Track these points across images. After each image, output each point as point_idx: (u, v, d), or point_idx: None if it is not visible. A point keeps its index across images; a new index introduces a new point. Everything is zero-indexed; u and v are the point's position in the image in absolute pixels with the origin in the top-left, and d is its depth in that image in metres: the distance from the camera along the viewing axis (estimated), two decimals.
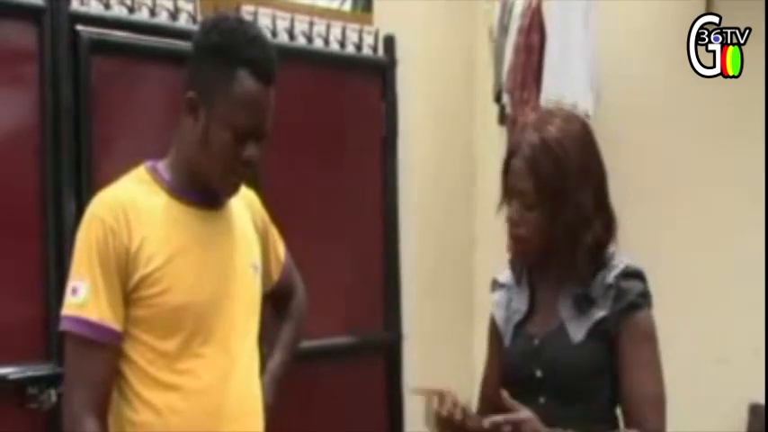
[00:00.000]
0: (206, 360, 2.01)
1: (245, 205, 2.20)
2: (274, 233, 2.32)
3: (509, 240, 2.02)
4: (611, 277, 1.94)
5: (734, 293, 3.40)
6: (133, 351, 1.99)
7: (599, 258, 1.96)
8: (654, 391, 1.93)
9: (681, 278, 3.48)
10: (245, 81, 1.98)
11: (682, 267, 3.50)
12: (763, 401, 3.26)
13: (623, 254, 1.99)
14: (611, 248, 1.98)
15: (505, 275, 2.14)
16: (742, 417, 3.32)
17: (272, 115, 2.04)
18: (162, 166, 2.07)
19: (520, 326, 2.06)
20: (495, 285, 2.18)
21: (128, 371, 2.00)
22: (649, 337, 1.95)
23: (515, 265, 2.11)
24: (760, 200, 3.31)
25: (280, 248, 2.34)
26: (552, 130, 1.94)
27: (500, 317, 2.12)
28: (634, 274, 1.96)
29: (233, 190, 2.07)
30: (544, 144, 1.92)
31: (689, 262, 3.50)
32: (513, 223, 1.98)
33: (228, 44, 2.00)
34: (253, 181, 2.32)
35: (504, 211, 2.02)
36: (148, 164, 2.09)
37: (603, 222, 1.95)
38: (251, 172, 2.04)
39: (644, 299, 1.95)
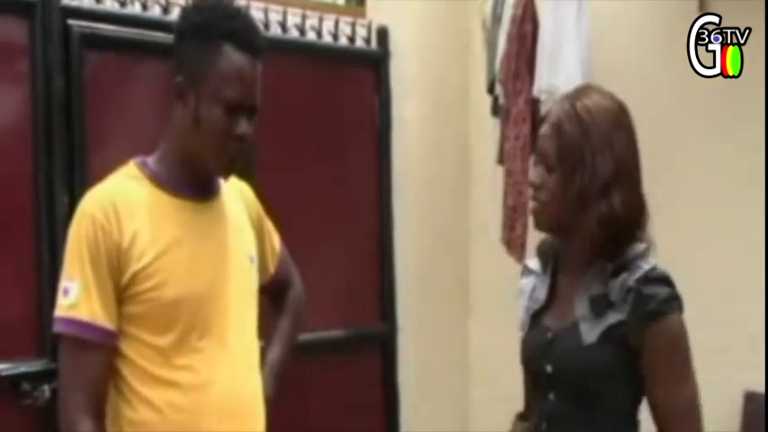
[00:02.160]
0: (204, 354, 1.99)
1: (239, 197, 2.18)
2: (269, 225, 2.31)
3: (531, 204, 2.00)
4: (631, 280, 1.88)
5: (731, 283, 3.39)
6: (129, 349, 1.97)
7: (613, 240, 1.90)
8: (685, 402, 1.89)
9: (677, 269, 3.47)
10: (231, 54, 1.96)
11: (677, 258, 3.48)
12: (757, 389, 3.26)
13: (652, 258, 1.94)
14: (641, 246, 1.93)
15: (535, 262, 2.10)
16: (737, 405, 3.32)
17: (261, 89, 2.02)
18: (152, 160, 2.06)
19: (537, 315, 2.03)
20: (525, 271, 2.13)
21: (125, 369, 1.98)
22: (677, 344, 1.89)
23: (542, 250, 2.08)
24: (760, 195, 3.30)
25: (275, 240, 2.33)
26: (586, 101, 1.94)
27: (522, 306, 2.09)
28: (658, 279, 1.89)
29: (228, 169, 2.04)
30: (573, 110, 1.92)
31: (684, 253, 3.49)
32: (534, 187, 1.97)
33: (210, 21, 1.99)
34: (248, 173, 2.31)
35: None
36: (138, 159, 2.07)
37: (624, 200, 1.89)
38: (244, 150, 2.02)
39: (668, 305, 1.88)
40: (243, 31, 2.00)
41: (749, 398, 3.30)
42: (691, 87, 3.39)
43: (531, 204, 2.00)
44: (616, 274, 1.90)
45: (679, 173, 3.54)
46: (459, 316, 4.16)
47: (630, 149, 1.95)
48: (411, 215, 3.99)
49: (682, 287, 3.57)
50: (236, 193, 2.17)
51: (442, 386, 4.08)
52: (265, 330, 2.29)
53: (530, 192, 2.00)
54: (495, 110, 3.78)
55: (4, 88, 2.86)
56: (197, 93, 1.97)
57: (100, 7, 3.04)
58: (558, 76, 3.42)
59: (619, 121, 1.94)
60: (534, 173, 1.98)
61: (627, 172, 1.92)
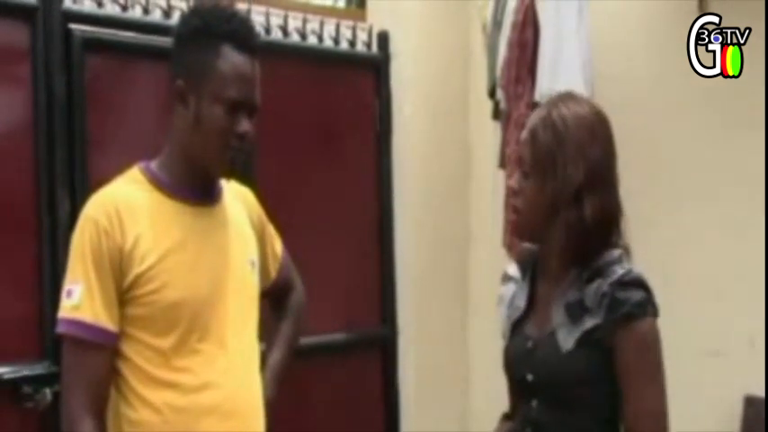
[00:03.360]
0: (203, 356, 2.01)
1: (241, 202, 2.20)
2: (271, 230, 2.32)
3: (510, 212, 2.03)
4: (606, 285, 1.89)
5: (730, 286, 3.40)
6: (130, 350, 1.99)
7: (583, 247, 1.93)
8: (653, 406, 1.89)
9: (677, 271, 3.48)
10: (230, 54, 2.00)
11: (677, 260, 3.50)
12: (757, 393, 3.26)
13: (630, 263, 1.95)
14: (616, 252, 1.94)
15: (514, 269, 2.13)
16: (737, 409, 3.32)
17: (262, 92, 2.06)
18: (155, 165, 2.08)
19: (518, 324, 2.05)
20: (505, 278, 2.15)
21: (125, 370, 2.00)
22: (648, 348, 1.90)
23: (521, 257, 2.11)
24: (760, 196, 3.30)
25: (277, 245, 2.34)
26: (563, 109, 1.96)
27: (502, 314, 2.11)
28: (632, 283, 1.90)
29: (230, 169, 2.06)
30: (548, 117, 1.95)
31: (685, 256, 3.50)
32: (512, 192, 2.03)
33: (208, 24, 2.03)
34: (248, 177, 2.32)
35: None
36: (141, 164, 2.09)
37: (595, 208, 1.91)
38: (245, 149, 2.04)
39: (641, 308, 1.89)
40: (241, 32, 2.03)
41: (749, 402, 3.30)
42: (691, 88, 3.40)
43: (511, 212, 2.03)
44: (591, 279, 1.91)
45: (679, 174, 3.54)
46: (459, 318, 4.17)
47: (605, 159, 1.96)
48: (411, 218, 4.00)
49: (682, 290, 3.58)
50: (238, 198, 2.19)
51: (442, 388, 4.08)
52: (266, 334, 2.30)
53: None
54: (497, 114, 3.79)
55: (5, 92, 2.86)
56: (198, 94, 2.00)
57: (101, 11, 3.05)
58: (558, 80, 3.43)
59: (594, 131, 1.95)
60: (513, 179, 2.02)
61: (599, 181, 1.93)
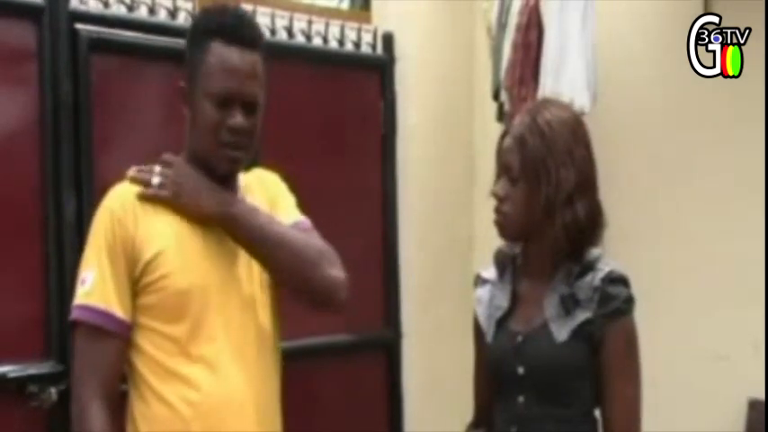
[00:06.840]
0: (216, 345, 2.01)
1: (261, 191, 2.19)
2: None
3: (494, 215, 2.06)
4: (597, 280, 1.97)
5: (733, 290, 3.40)
6: (144, 339, 2.00)
7: (577, 245, 1.98)
8: (632, 397, 1.98)
9: (679, 275, 3.48)
10: (218, 49, 2.00)
11: (680, 264, 3.50)
12: (761, 397, 3.26)
13: (609, 260, 2.02)
14: (597, 251, 2.01)
15: (489, 271, 2.17)
16: (741, 413, 3.32)
17: (266, 90, 2.06)
18: None
19: (501, 322, 2.08)
20: (479, 281, 2.20)
21: (140, 363, 2.01)
22: (634, 343, 2.00)
23: (499, 259, 2.14)
24: (760, 197, 3.31)
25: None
26: (545, 113, 2.01)
27: (482, 314, 2.14)
28: (619, 280, 1.99)
29: (229, 164, 2.05)
30: (534, 123, 1.99)
31: (687, 259, 3.50)
32: (498, 198, 2.04)
33: (200, 21, 2.08)
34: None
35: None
36: None
37: (586, 208, 1.97)
38: (245, 143, 2.03)
39: (628, 305, 1.99)
40: (230, 26, 2.02)
41: (753, 406, 3.31)
42: (692, 88, 3.40)
43: (494, 216, 2.07)
44: (582, 275, 1.99)
45: (680, 175, 3.55)
46: (462, 321, 4.14)
47: (589, 159, 2.03)
48: (415, 220, 4.00)
49: (686, 295, 3.57)
50: (258, 188, 2.19)
51: (445, 391, 4.07)
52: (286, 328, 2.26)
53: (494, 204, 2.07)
54: (501, 116, 3.79)
55: (12, 92, 2.86)
56: (192, 92, 2.03)
57: (107, 12, 3.05)
58: (562, 82, 3.44)
59: (576, 132, 2.02)
60: (498, 185, 2.05)
61: (587, 181, 2.01)
